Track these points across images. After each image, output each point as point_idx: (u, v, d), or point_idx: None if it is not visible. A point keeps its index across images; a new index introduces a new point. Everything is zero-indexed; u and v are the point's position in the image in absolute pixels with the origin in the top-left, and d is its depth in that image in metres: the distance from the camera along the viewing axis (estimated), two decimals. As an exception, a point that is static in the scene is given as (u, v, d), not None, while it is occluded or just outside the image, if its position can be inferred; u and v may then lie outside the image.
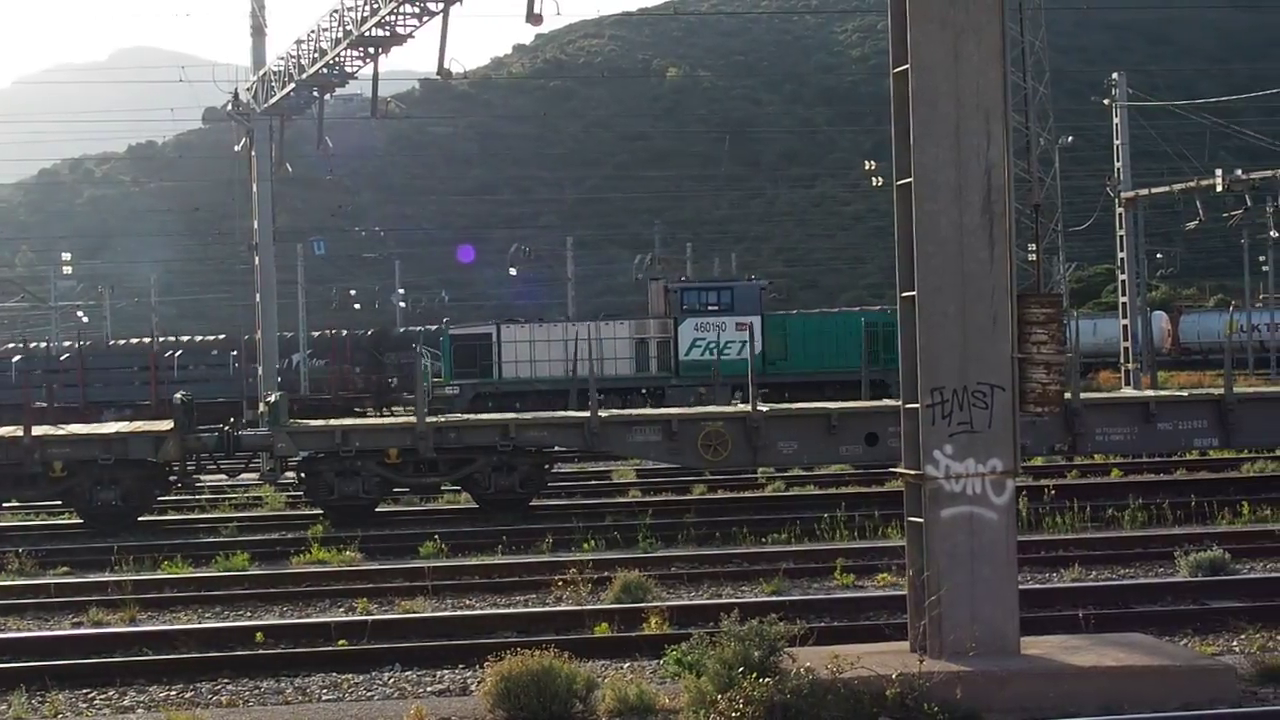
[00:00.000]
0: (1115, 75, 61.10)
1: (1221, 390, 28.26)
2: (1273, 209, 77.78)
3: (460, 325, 56.80)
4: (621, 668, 13.96)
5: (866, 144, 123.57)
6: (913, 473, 12.24)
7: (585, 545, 22.33)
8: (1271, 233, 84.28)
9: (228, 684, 13.87)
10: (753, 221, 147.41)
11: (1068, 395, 26.31)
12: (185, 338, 68.69)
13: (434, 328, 67.83)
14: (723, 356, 46.76)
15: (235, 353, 58.47)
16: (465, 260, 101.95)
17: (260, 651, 15.02)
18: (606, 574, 18.41)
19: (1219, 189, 56.07)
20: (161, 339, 66.09)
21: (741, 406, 29.00)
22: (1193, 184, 58.14)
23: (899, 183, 12.31)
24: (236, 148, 38.43)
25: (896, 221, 12.37)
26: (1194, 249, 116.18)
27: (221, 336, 67.94)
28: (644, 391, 48.79)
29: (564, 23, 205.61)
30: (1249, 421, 27.88)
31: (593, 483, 33.30)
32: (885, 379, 42.62)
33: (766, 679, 11.15)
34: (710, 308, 49.43)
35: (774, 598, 16.97)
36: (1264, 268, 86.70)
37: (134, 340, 70.29)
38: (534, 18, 25.47)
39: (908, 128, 12.13)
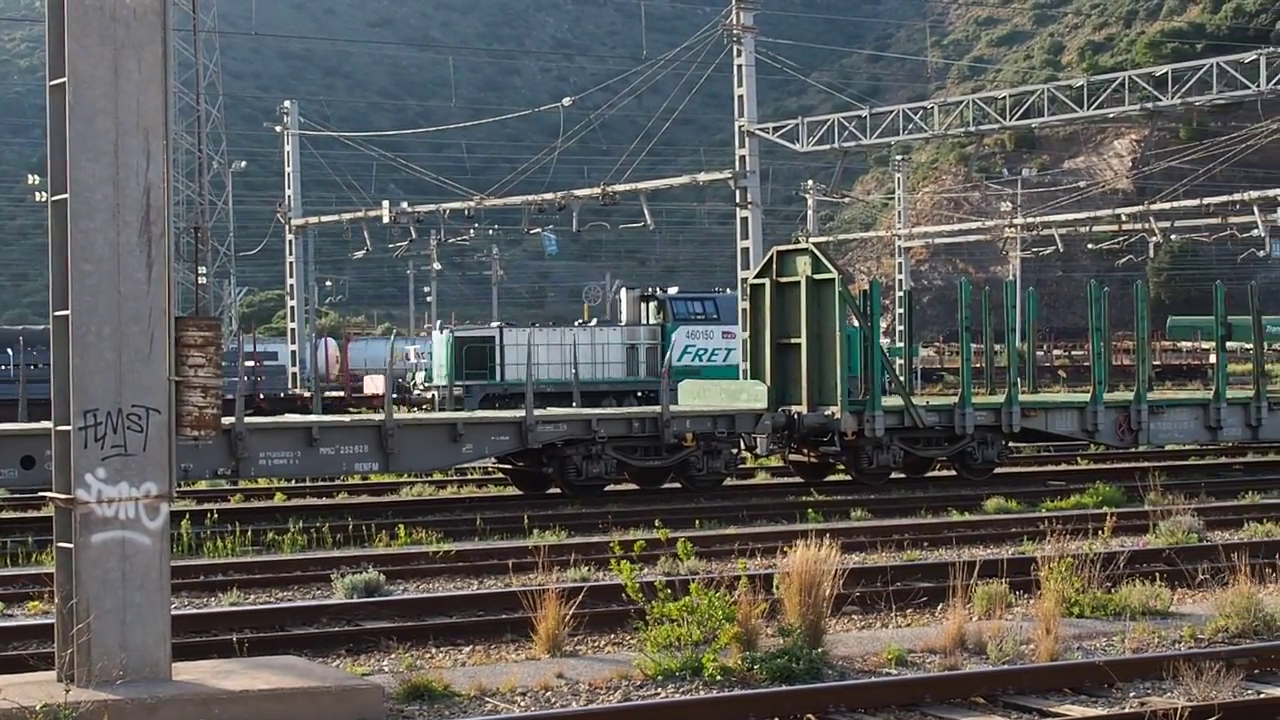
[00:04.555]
0: (288, 103, 61.92)
1: (383, 416, 29.08)
2: (436, 241, 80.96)
3: (463, 328, 58.09)
4: None
5: (33, 157, 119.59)
6: (64, 497, 11.86)
7: None
8: (435, 265, 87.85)
9: None
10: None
11: (231, 419, 26.34)
12: None
13: None
14: (710, 362, 45.54)
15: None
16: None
17: None
18: None
19: (386, 220, 57.83)
20: None
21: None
22: (361, 214, 59.72)
23: (54, 199, 11.91)
24: None
25: (51, 238, 11.97)
26: (363, 277, 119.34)
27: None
28: (638, 394, 49.67)
29: None
30: (407, 447, 28.85)
31: None
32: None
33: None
34: (698, 316, 51.12)
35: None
36: (428, 298, 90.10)
37: None
38: None
39: (65, 143, 11.76)
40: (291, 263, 60.40)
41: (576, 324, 57.84)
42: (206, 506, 28.06)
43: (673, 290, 55.41)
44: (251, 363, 56.84)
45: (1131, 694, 12.98)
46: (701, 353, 51.27)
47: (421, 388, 56.51)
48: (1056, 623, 14.49)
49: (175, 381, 12.10)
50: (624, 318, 55.28)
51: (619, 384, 51.35)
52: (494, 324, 57.47)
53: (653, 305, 53.80)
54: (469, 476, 35.71)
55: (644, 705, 12.51)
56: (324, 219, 62.09)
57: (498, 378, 51.55)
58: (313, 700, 11.92)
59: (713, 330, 52.31)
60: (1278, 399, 36.72)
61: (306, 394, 59.02)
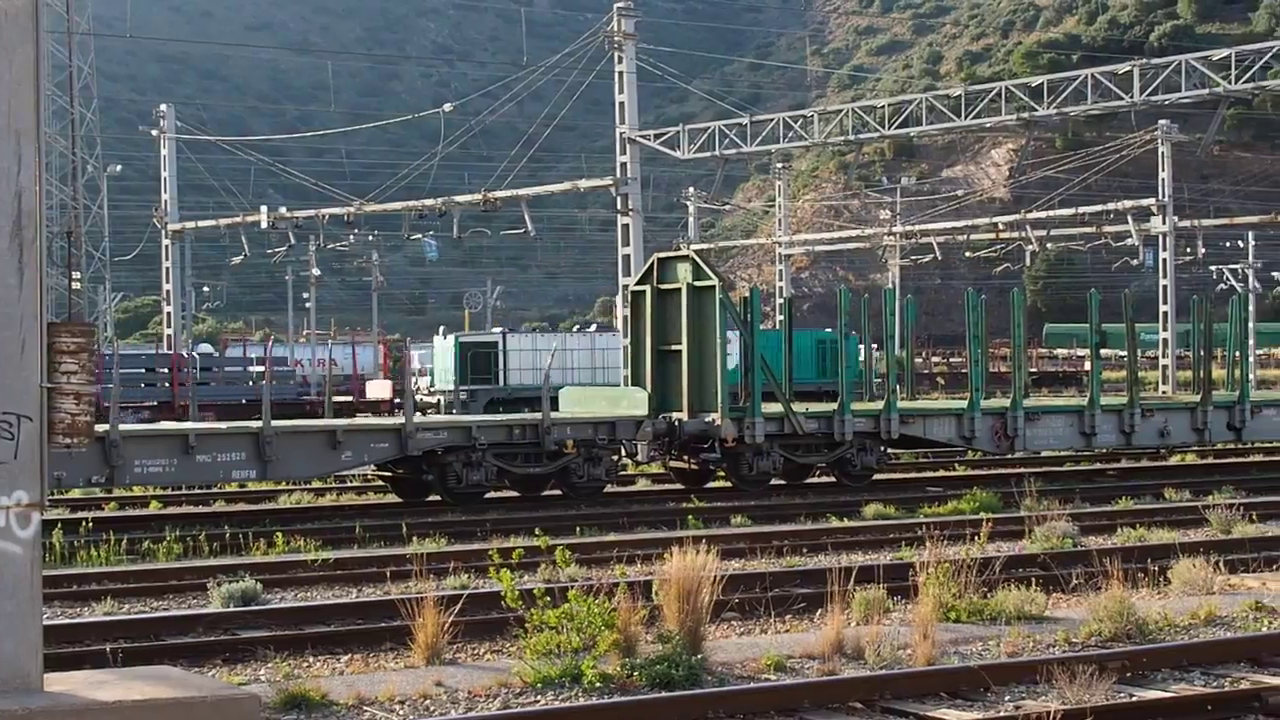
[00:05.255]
0: (164, 106, 61.21)
1: (260, 423, 28.83)
2: (316, 247, 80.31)
3: (467, 334, 58.10)
4: None
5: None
6: (-69, 506, 11.64)
7: None
8: (314, 270, 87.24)
9: None
10: None
11: (105, 427, 26.00)
12: None
13: None
14: None
15: None
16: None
17: None
18: None
19: (265, 225, 57.34)
20: None
21: None
22: (240, 219, 59.19)
23: (-77, 202, 11.70)
24: None
25: (-80, 242, 11.75)
26: (241, 283, 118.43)
27: None
28: None
29: None
30: (286, 454, 28.62)
31: None
32: (834, 390, 45.10)
33: None
34: None
35: None
36: (307, 304, 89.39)
37: None
38: None
39: (-65, 145, 11.54)
40: (168, 268, 59.68)
41: (576, 329, 58.39)
42: (80, 515, 27.68)
43: None
44: (261, 367, 56.23)
45: (1007, 698, 13.12)
46: None
47: (426, 392, 56.33)
48: (934, 628, 14.62)
49: (47, 388, 11.91)
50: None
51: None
52: (496, 329, 57.75)
53: None
54: (348, 484, 35.49)
55: (523, 713, 12.48)
56: (201, 224, 61.41)
57: (501, 382, 52.04)
58: (188, 710, 11.76)
59: None
60: (1150, 405, 37.32)
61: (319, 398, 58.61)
